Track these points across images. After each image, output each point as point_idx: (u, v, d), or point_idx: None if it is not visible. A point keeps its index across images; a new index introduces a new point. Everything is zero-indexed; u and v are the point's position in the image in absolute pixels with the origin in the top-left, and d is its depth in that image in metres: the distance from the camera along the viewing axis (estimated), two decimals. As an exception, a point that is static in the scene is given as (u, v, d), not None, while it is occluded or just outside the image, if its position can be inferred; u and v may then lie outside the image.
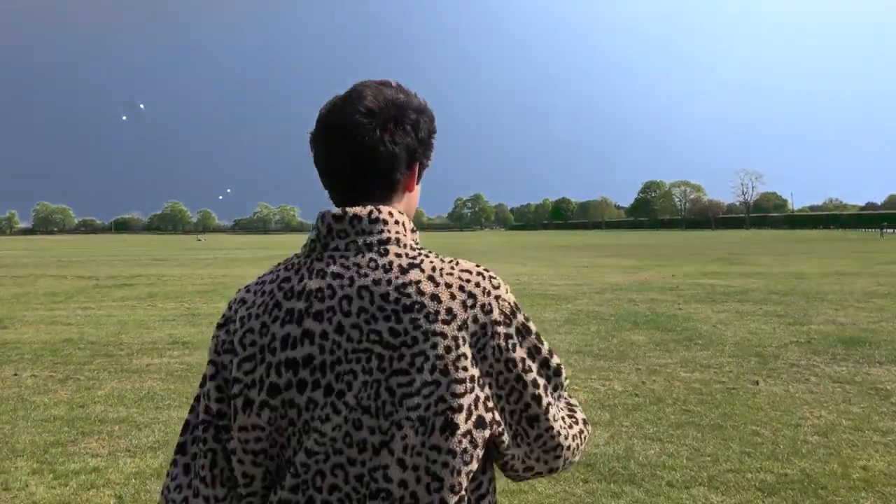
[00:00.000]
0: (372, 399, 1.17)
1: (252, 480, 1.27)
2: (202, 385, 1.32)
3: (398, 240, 1.26)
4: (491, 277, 1.27)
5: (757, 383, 7.02)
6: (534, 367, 1.27)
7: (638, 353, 8.78)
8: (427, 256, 1.26)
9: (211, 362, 1.31)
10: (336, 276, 1.22)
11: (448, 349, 1.18)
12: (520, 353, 1.25)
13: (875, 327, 10.47)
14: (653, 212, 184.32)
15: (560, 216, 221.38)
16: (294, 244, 66.51)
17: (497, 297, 1.24)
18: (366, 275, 1.21)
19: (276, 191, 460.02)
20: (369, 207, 1.27)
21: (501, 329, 1.23)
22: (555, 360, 1.30)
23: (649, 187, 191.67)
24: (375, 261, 1.23)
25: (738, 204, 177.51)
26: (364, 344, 1.18)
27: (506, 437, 1.25)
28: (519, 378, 1.24)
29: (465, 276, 1.24)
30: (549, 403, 1.28)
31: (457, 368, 1.18)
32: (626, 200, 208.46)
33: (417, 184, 1.38)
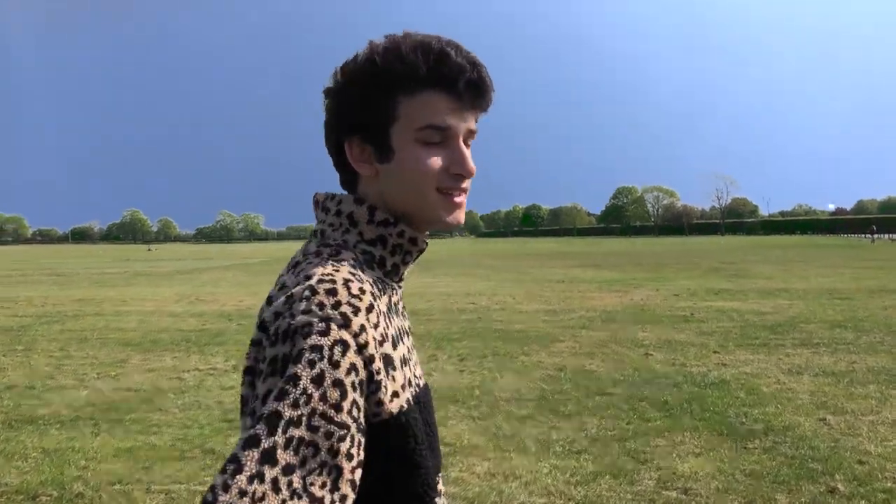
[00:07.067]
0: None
1: None
2: None
3: (323, 232, 1.06)
4: (307, 288, 0.90)
5: None
6: (261, 407, 0.83)
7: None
8: (318, 255, 0.99)
9: None
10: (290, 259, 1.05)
11: (256, 359, 0.91)
12: (261, 385, 0.86)
13: None
14: (625, 218, 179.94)
15: (531, 223, 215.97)
16: (250, 254, 60.94)
17: (290, 308, 0.88)
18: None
19: (240, 198, 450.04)
20: (329, 193, 1.09)
21: (264, 342, 0.89)
22: (284, 457, 0.80)
23: (621, 193, 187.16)
24: (297, 252, 1.05)
25: (708, 210, 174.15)
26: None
27: None
28: (253, 412, 0.84)
29: (294, 280, 0.94)
30: (237, 456, 0.79)
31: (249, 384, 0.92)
32: (598, 207, 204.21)
33: (383, 161, 1.04)
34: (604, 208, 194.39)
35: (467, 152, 1.05)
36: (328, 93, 1.06)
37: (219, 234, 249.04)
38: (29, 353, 9.40)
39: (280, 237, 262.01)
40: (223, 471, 0.77)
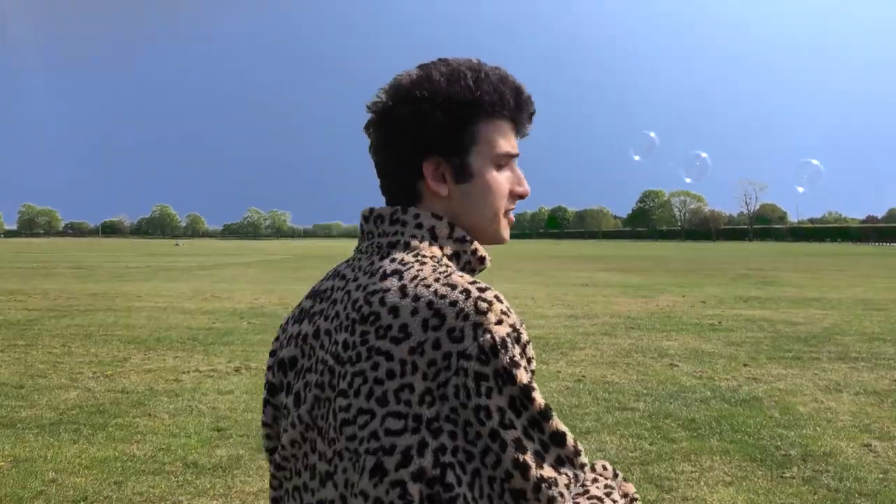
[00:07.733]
0: (324, 419, 0.97)
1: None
2: None
3: (408, 244, 1.02)
4: (479, 299, 0.92)
5: None
6: (517, 423, 0.88)
7: None
8: (424, 264, 0.98)
9: None
10: (342, 277, 1.05)
11: (391, 374, 0.90)
12: (496, 400, 0.88)
13: None
14: (651, 222, 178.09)
15: (556, 225, 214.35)
16: (274, 250, 60.93)
17: (476, 325, 0.89)
18: (356, 279, 1.02)
19: (268, 196, 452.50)
20: (396, 207, 1.06)
21: (472, 365, 0.88)
22: (554, 425, 0.90)
23: (648, 196, 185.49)
24: (373, 264, 1.02)
25: (736, 215, 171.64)
26: (327, 353, 0.99)
27: None
28: (494, 434, 0.87)
29: (444, 290, 0.93)
30: (541, 478, 0.87)
31: (398, 400, 0.89)
32: (624, 210, 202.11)
33: (460, 181, 1.06)
34: (630, 212, 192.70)
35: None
36: (401, 110, 1.03)
37: (246, 231, 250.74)
38: (28, 349, 9.09)
39: (306, 234, 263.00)
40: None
